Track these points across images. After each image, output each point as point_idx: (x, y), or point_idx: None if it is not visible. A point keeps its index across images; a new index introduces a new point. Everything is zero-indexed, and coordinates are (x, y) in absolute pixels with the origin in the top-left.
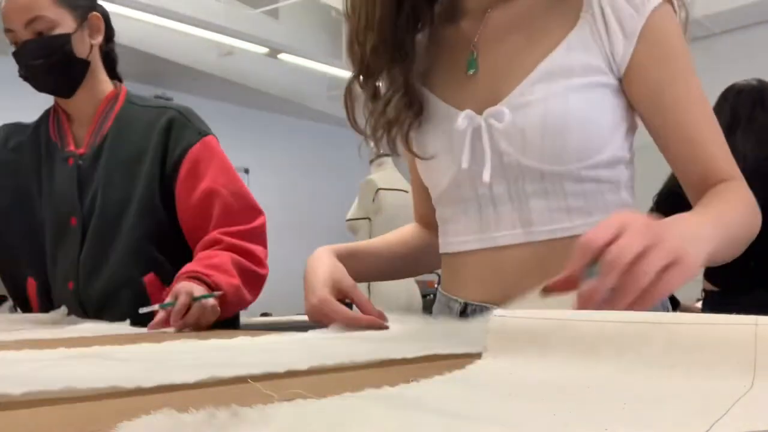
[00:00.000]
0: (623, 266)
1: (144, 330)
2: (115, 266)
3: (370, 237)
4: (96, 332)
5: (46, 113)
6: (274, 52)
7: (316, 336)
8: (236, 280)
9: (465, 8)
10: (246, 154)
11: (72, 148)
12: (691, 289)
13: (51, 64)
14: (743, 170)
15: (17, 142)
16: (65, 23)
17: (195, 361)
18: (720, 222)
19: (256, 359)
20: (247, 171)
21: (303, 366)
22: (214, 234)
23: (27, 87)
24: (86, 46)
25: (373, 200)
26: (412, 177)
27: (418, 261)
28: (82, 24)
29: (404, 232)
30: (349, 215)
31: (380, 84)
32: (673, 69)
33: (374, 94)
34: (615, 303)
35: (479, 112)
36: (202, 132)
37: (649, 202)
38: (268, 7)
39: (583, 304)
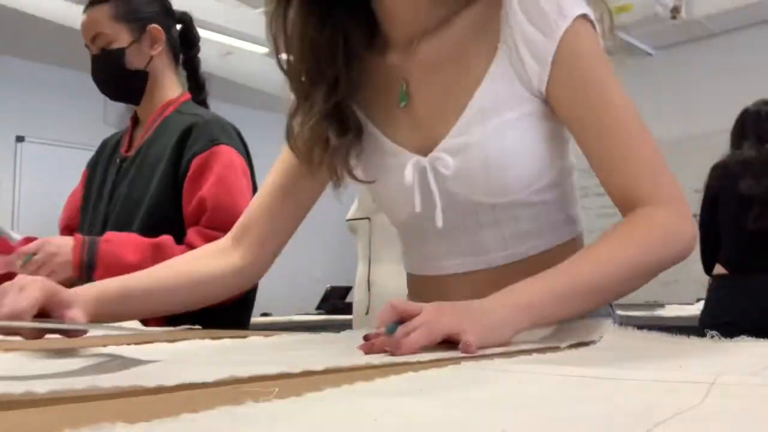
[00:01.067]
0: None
1: (154, 329)
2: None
3: (370, 237)
4: (108, 332)
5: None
6: (274, 53)
7: (333, 337)
8: (132, 256)
9: (392, 38)
10: None
11: (123, 150)
12: (692, 289)
13: (109, 77)
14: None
15: (105, 143)
16: (121, 38)
17: (209, 360)
18: (549, 296)
19: (268, 358)
20: None
21: (318, 366)
22: (190, 231)
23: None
24: (144, 57)
25: (374, 200)
26: (269, 185)
27: (206, 292)
28: (139, 37)
29: (203, 263)
30: (349, 215)
31: (320, 103)
32: (590, 92)
33: (321, 113)
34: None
35: (420, 151)
36: (215, 140)
37: None
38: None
39: (370, 348)
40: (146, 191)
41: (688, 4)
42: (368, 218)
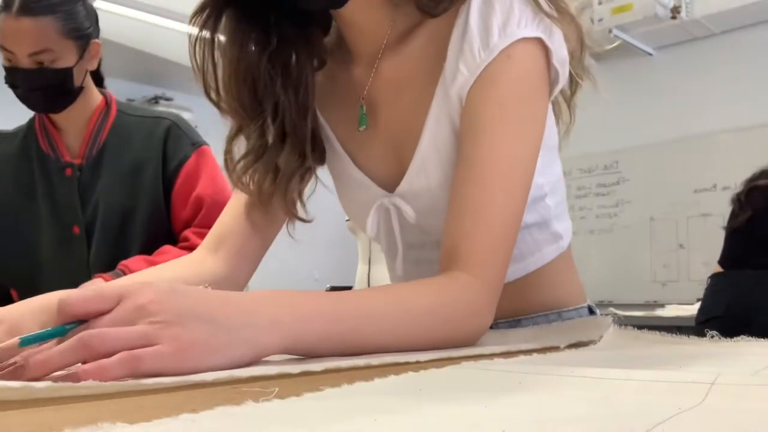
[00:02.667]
0: (87, 351)
1: None
2: None
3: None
4: None
5: (31, 122)
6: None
7: None
8: None
9: (354, 52)
10: None
11: (68, 158)
12: (692, 289)
13: (48, 95)
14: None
15: (3, 154)
16: (68, 56)
17: None
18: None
19: (268, 358)
20: None
21: (318, 368)
22: (186, 231)
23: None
24: (83, 73)
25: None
26: (238, 201)
27: None
28: (82, 54)
29: (177, 273)
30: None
31: (254, 138)
32: (480, 137)
33: (255, 149)
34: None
35: (386, 184)
36: (196, 143)
37: (657, 199)
38: None
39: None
40: (136, 200)
41: (688, 4)
42: None
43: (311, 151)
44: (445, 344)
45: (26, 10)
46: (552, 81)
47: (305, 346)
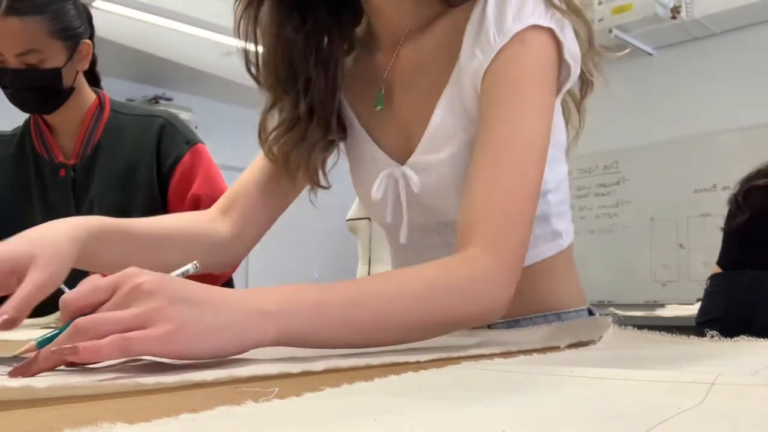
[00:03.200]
0: (80, 323)
1: None
2: None
3: (370, 237)
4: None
5: (27, 123)
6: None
7: None
8: None
9: (379, 39)
10: (246, 154)
11: (62, 159)
12: (692, 289)
13: (37, 95)
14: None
15: (1, 155)
16: (57, 56)
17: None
18: (310, 311)
19: (268, 358)
20: None
21: (318, 368)
22: None
23: None
24: (73, 73)
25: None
26: (260, 161)
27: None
28: (71, 55)
29: (183, 225)
30: (349, 215)
31: (287, 110)
32: (499, 117)
33: (287, 121)
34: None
35: (400, 158)
36: (190, 141)
37: (657, 199)
38: None
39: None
40: (131, 199)
41: (688, 4)
42: (368, 218)
43: (335, 125)
44: (450, 322)
45: (13, 9)
46: (563, 76)
47: (297, 336)
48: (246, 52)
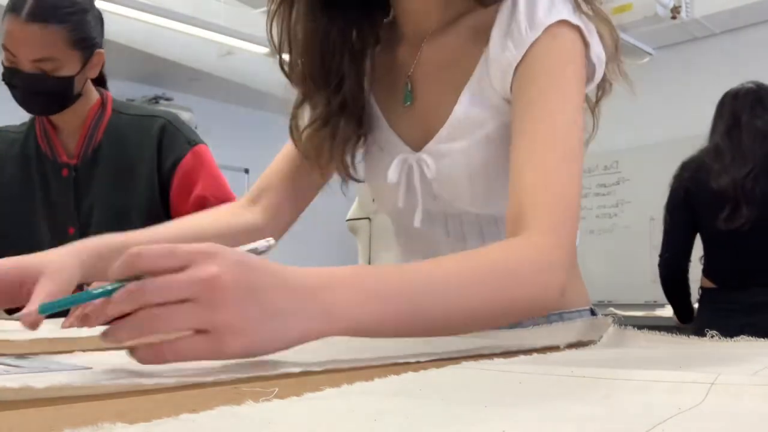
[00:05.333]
0: (141, 300)
1: None
2: None
3: (370, 237)
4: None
5: (32, 121)
6: (274, 52)
7: (333, 338)
8: None
9: (404, 34)
10: (246, 154)
11: (65, 158)
12: (692, 290)
13: (46, 100)
14: (751, 170)
15: (3, 154)
16: (71, 65)
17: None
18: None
19: (268, 358)
20: (247, 171)
21: (318, 368)
22: None
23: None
24: (84, 80)
25: (373, 200)
26: (288, 152)
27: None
28: (86, 63)
29: (213, 218)
30: (349, 215)
31: (322, 106)
32: (536, 107)
33: (322, 116)
34: (113, 333)
35: (416, 148)
36: (192, 141)
37: (657, 199)
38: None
39: (77, 321)
40: (132, 200)
41: (688, 4)
42: (368, 218)
43: (364, 122)
44: (516, 306)
45: (36, 16)
46: (588, 76)
47: (364, 329)
48: (279, 50)
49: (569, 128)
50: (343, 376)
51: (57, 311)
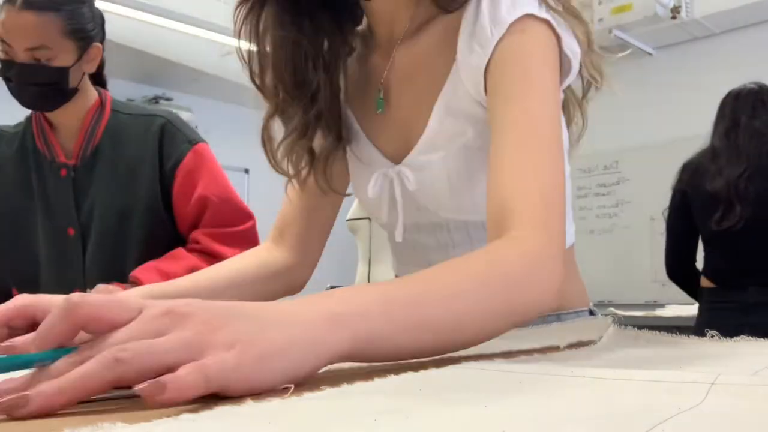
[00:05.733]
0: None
1: None
2: (126, 271)
3: (370, 237)
4: None
5: (29, 120)
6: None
7: None
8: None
9: (377, 42)
10: (246, 154)
11: (63, 159)
12: None
13: (40, 91)
14: (745, 170)
15: (3, 152)
16: (66, 55)
17: None
18: (384, 311)
19: None
20: (247, 171)
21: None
22: (196, 233)
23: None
24: (79, 75)
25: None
26: (294, 190)
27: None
28: (81, 56)
29: (245, 263)
30: (349, 215)
31: (299, 117)
32: (510, 101)
33: (299, 128)
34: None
35: (396, 160)
36: (192, 140)
37: (657, 199)
38: None
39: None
40: (133, 200)
41: (688, 4)
42: (368, 218)
43: (341, 132)
44: (516, 311)
45: (30, 4)
46: (564, 70)
47: (372, 343)
48: (249, 63)
49: (546, 120)
50: (343, 376)
51: None
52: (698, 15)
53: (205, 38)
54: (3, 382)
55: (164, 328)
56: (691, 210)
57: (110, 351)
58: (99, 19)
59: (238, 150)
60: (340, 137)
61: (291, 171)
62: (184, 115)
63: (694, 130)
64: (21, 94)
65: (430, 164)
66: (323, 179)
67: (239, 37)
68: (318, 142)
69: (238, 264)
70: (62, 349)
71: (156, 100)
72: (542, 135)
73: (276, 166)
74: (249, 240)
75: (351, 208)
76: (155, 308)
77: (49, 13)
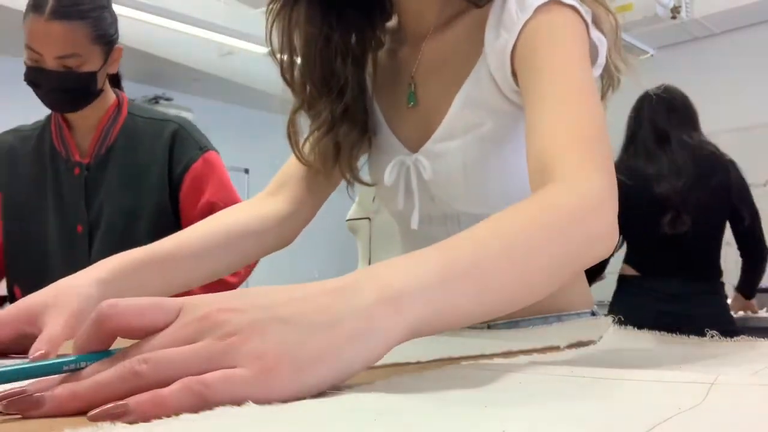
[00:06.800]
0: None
1: None
2: None
3: (370, 237)
4: None
5: (48, 119)
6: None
7: None
8: None
9: (406, 36)
10: (246, 154)
11: (77, 157)
12: None
13: (72, 97)
14: (685, 183)
15: (18, 152)
16: (94, 60)
17: None
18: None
19: None
20: (247, 171)
21: None
22: None
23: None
24: (104, 77)
25: (373, 200)
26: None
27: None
28: (106, 59)
29: (236, 218)
30: (349, 215)
31: (326, 113)
32: (542, 72)
33: (327, 123)
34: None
35: (415, 148)
36: (203, 147)
37: None
38: None
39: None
40: (141, 201)
41: (688, 4)
42: (368, 218)
43: (368, 126)
44: (581, 252)
45: (59, 14)
46: (591, 58)
47: (434, 320)
48: (280, 57)
49: (581, 80)
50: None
51: None
52: (698, 15)
53: (205, 38)
54: (35, 382)
55: (198, 335)
56: (633, 209)
57: (131, 362)
58: (116, 21)
59: (238, 150)
60: (366, 130)
61: (319, 164)
62: (184, 115)
63: None
64: (49, 99)
65: (446, 153)
66: (349, 170)
67: (271, 36)
68: (344, 134)
69: (229, 219)
70: (102, 352)
71: (156, 100)
72: (579, 91)
73: (301, 158)
74: None
75: (351, 208)
76: (192, 313)
77: (78, 22)
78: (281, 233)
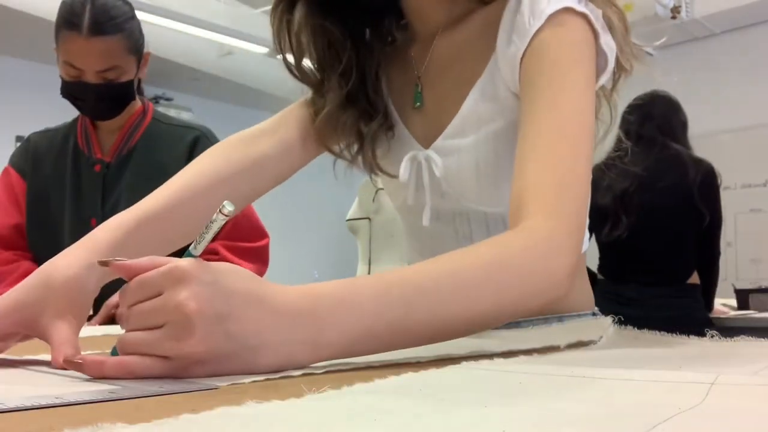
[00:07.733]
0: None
1: None
2: None
3: (370, 237)
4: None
5: (74, 121)
6: (274, 52)
7: None
8: None
9: (416, 34)
10: None
11: (99, 155)
12: None
13: (113, 107)
14: (631, 184)
15: (43, 148)
16: (131, 69)
17: None
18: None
19: None
20: None
21: (318, 369)
22: (215, 245)
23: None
24: (137, 82)
25: (373, 200)
26: (297, 119)
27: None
28: (139, 66)
29: (225, 159)
30: (349, 215)
31: (335, 91)
32: (541, 92)
33: (336, 99)
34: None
35: (425, 144)
36: None
37: None
38: (268, 7)
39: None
40: None
41: (688, 4)
42: (368, 218)
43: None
44: (519, 301)
45: (97, 30)
46: (600, 69)
47: (354, 352)
48: (280, 41)
49: (577, 117)
50: (343, 377)
51: None
52: (698, 15)
53: (205, 38)
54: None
55: (160, 311)
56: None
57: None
58: (141, 26)
59: None
60: (384, 120)
61: (346, 155)
62: (184, 115)
63: (694, 129)
64: (91, 111)
65: (459, 149)
66: (372, 159)
67: (278, 37)
68: (365, 124)
69: (219, 161)
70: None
71: (156, 100)
72: (570, 131)
73: (321, 139)
74: (262, 257)
75: (351, 208)
76: (170, 298)
77: (116, 36)
78: (278, 173)
